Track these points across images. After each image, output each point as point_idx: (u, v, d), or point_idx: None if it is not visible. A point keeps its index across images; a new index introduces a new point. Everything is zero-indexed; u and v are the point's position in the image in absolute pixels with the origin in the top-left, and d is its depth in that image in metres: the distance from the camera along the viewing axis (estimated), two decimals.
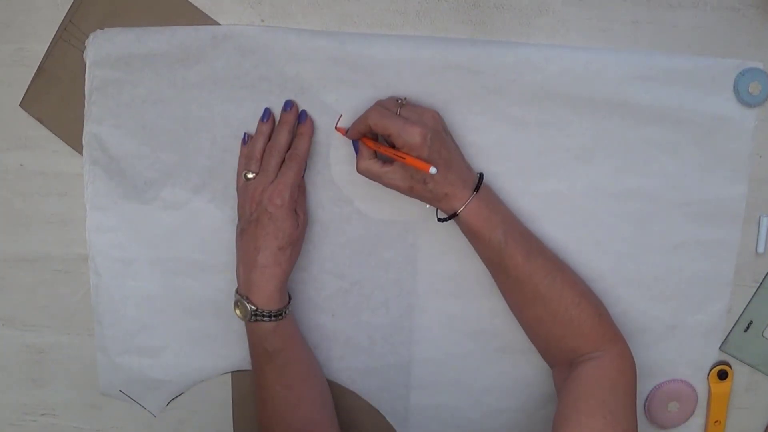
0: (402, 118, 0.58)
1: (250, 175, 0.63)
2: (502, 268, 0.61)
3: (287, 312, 0.63)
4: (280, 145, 0.63)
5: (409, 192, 0.60)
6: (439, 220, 0.62)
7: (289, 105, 0.64)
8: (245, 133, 0.65)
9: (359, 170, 0.61)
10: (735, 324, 0.67)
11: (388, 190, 0.65)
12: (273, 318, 0.61)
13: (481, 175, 0.61)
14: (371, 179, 0.61)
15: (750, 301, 0.66)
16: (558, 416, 0.57)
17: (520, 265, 0.59)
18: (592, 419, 0.55)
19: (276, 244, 0.60)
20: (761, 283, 0.66)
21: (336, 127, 0.63)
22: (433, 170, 0.56)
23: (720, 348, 0.68)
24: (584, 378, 0.58)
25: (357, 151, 0.62)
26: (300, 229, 0.63)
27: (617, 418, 0.55)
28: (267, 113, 0.64)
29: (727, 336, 0.67)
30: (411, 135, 0.57)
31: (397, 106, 0.60)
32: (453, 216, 0.60)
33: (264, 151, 0.63)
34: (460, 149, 0.62)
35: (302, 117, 0.64)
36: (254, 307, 0.61)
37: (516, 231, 0.61)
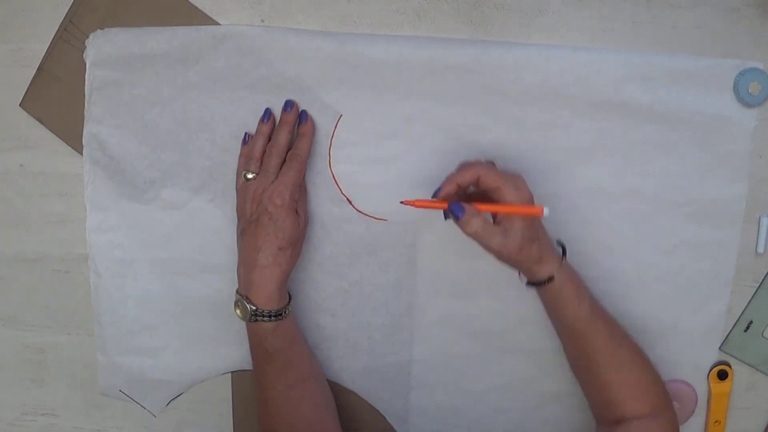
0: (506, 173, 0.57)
1: (249, 176, 0.63)
2: (583, 339, 0.60)
3: (287, 312, 0.63)
4: (280, 145, 0.63)
5: (518, 253, 0.56)
6: (530, 284, 0.60)
7: (289, 105, 0.64)
8: (245, 133, 0.65)
9: (468, 233, 0.56)
10: (735, 324, 0.67)
11: (388, 190, 0.65)
12: (273, 318, 0.61)
13: (563, 245, 0.61)
14: (477, 240, 0.57)
15: (750, 301, 0.66)
16: None
17: (602, 341, 0.59)
18: None
19: (276, 244, 0.60)
20: (761, 283, 0.66)
21: (404, 202, 0.59)
22: (546, 211, 0.55)
23: (720, 348, 0.68)
24: None
25: (455, 213, 0.56)
26: (301, 229, 0.63)
27: None
28: (267, 113, 0.64)
29: (727, 336, 0.67)
30: (523, 187, 0.56)
31: (488, 162, 0.59)
32: (549, 280, 0.58)
33: (264, 151, 0.63)
34: None
35: (303, 117, 0.64)
36: (254, 307, 0.61)
37: (598, 304, 0.61)
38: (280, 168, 0.62)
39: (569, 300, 0.59)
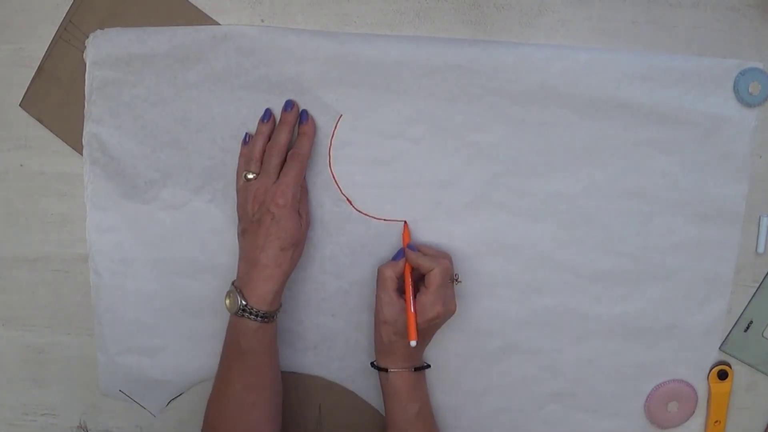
0: (451, 289, 0.63)
1: (250, 176, 0.63)
2: None
3: (274, 318, 0.62)
4: (280, 145, 0.63)
5: (383, 324, 0.62)
6: (372, 364, 0.66)
7: (289, 105, 0.64)
8: (246, 133, 0.65)
9: (380, 269, 0.63)
10: (735, 324, 0.67)
11: (388, 190, 0.65)
12: (259, 318, 0.61)
13: (428, 366, 0.67)
14: (378, 280, 0.63)
15: (750, 301, 0.66)
16: None
17: None
18: None
19: (278, 245, 0.60)
20: (761, 283, 0.66)
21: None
22: (413, 343, 0.60)
23: (720, 348, 0.68)
24: None
25: (397, 258, 0.64)
26: (303, 230, 0.63)
27: None
28: (267, 113, 0.64)
29: (727, 336, 0.67)
30: (451, 306, 0.62)
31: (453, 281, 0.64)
32: (384, 369, 0.64)
33: (264, 151, 0.63)
34: None
35: (304, 117, 0.64)
36: (245, 302, 0.60)
37: (430, 415, 0.65)
38: (281, 168, 0.62)
39: (402, 395, 0.63)
